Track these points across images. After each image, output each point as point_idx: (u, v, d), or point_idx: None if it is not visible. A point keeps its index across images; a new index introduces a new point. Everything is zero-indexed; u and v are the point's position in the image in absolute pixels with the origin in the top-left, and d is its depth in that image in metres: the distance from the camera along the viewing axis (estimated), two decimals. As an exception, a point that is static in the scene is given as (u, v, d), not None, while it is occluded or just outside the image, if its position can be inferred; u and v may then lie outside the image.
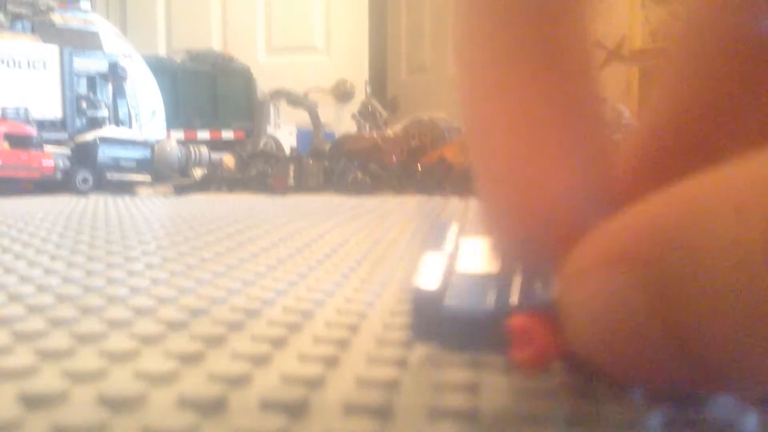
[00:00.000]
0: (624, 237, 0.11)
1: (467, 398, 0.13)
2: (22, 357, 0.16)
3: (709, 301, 0.09)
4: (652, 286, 0.10)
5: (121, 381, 0.15)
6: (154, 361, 0.16)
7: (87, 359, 0.16)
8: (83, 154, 0.96)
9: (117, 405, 0.13)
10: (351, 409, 0.13)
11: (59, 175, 0.93)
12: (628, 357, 0.11)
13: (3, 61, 1.01)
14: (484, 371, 0.15)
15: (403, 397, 0.14)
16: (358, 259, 0.31)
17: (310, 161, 0.94)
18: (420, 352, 0.17)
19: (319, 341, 0.18)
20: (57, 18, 1.16)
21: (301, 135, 1.57)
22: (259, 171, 0.92)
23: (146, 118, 1.24)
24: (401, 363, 0.16)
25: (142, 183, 0.98)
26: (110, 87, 1.13)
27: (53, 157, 0.93)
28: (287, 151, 1.29)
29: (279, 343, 0.18)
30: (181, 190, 0.95)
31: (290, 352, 0.17)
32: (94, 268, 0.28)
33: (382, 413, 0.13)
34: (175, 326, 0.19)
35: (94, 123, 1.08)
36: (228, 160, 1.01)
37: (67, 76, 1.06)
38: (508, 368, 0.16)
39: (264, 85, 1.67)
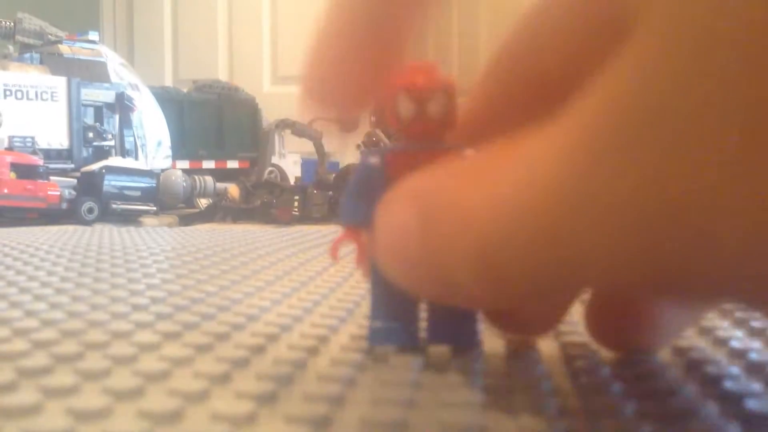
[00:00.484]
0: (416, 184, 0.16)
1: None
2: (27, 394, 0.16)
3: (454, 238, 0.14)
4: (422, 216, 0.15)
5: (124, 420, 0.15)
6: (158, 400, 0.16)
7: (91, 397, 0.16)
8: (89, 184, 0.97)
9: (121, 446, 0.13)
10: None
11: (64, 205, 0.93)
12: (401, 267, 0.16)
13: (11, 93, 1.03)
14: (493, 413, 0.15)
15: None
16: (362, 293, 0.31)
17: (315, 191, 0.94)
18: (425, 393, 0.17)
19: (324, 379, 0.18)
20: (65, 49, 1.18)
21: (306, 164, 1.58)
22: (263, 201, 0.92)
23: (152, 148, 1.25)
24: (408, 403, 0.16)
25: (147, 213, 0.98)
26: (117, 117, 1.14)
27: (59, 186, 0.94)
28: (292, 180, 1.30)
29: (284, 381, 0.18)
30: (185, 220, 0.96)
31: (296, 390, 0.17)
32: (98, 302, 0.28)
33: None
34: (179, 363, 0.19)
35: (101, 153, 1.09)
36: (232, 190, 1.01)
37: (75, 107, 1.07)
38: (518, 414, 0.15)
39: (269, 114, 1.68)
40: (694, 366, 0.19)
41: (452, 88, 0.18)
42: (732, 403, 0.16)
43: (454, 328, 0.20)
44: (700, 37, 0.10)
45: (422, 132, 0.19)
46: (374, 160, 0.19)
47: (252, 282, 0.34)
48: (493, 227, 0.13)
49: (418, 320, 0.20)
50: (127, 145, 1.14)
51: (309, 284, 0.34)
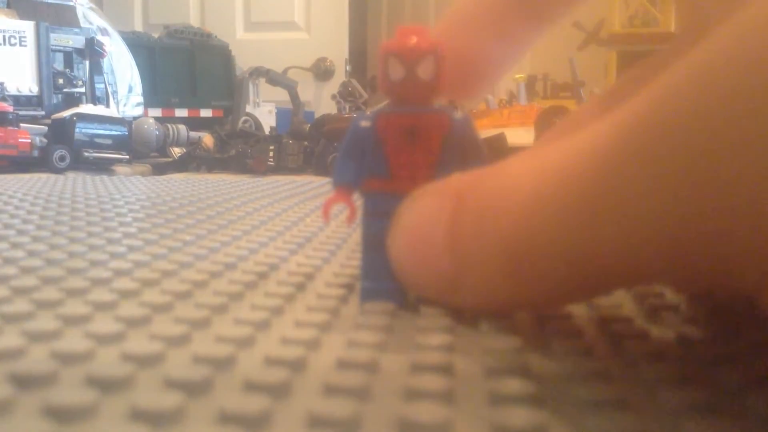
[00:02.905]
0: (450, 181, 0.16)
1: (444, 380, 0.14)
2: (11, 338, 0.17)
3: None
4: (454, 206, 0.15)
5: (108, 362, 0.15)
6: (139, 344, 0.16)
7: (74, 341, 0.17)
8: (60, 132, 0.95)
9: (105, 385, 0.14)
10: (331, 391, 0.14)
11: (36, 153, 0.92)
12: (420, 256, 0.16)
13: (-22, 37, 1.00)
14: (460, 354, 0.16)
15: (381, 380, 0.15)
16: (338, 243, 0.31)
17: (290, 141, 0.94)
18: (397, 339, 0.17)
19: (301, 325, 0.18)
20: (33, -9, 1.14)
21: (281, 114, 1.57)
22: (238, 151, 0.91)
23: (123, 94, 1.23)
24: (381, 346, 0.17)
25: (120, 161, 0.97)
26: (87, 63, 1.12)
27: (30, 134, 0.93)
28: (266, 130, 1.29)
29: (262, 326, 0.18)
30: (159, 169, 0.95)
31: (273, 334, 0.18)
32: (76, 250, 0.28)
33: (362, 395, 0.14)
34: (159, 309, 0.20)
35: (71, 100, 1.07)
36: (207, 139, 1.00)
37: (44, 52, 1.05)
38: (484, 340, 0.16)
39: (242, 62, 1.65)
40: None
41: (441, 51, 0.19)
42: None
43: None
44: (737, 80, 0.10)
45: (411, 94, 0.19)
46: (365, 123, 0.20)
47: (229, 231, 0.34)
48: (523, 217, 0.13)
49: None
50: (98, 92, 1.12)
51: (285, 233, 0.34)
